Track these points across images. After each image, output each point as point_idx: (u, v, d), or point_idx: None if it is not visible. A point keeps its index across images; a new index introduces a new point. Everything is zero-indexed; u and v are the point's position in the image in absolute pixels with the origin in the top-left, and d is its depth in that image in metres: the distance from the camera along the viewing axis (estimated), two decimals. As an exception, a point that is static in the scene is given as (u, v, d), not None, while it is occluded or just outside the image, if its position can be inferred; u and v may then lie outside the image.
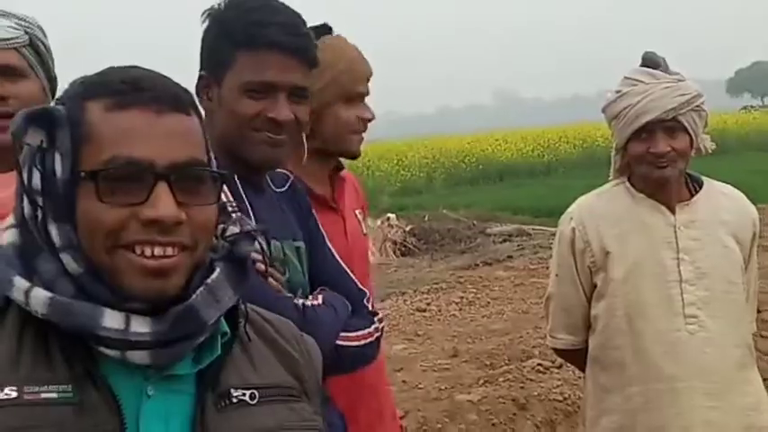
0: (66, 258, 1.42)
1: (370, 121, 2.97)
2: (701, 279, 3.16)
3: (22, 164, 1.45)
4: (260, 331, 1.64)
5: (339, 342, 2.29)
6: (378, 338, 2.45)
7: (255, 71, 2.27)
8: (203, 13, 2.37)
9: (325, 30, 2.95)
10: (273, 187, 2.47)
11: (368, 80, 2.99)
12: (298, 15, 2.36)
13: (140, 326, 1.41)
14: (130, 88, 1.44)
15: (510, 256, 14.97)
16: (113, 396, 1.41)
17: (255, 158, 2.33)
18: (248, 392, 1.54)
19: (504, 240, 17.47)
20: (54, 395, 1.38)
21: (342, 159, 3.08)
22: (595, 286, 3.27)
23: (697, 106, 3.12)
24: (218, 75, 2.31)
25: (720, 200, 3.30)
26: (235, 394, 1.53)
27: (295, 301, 2.24)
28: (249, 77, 2.27)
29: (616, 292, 3.20)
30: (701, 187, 3.28)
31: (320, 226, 2.61)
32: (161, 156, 1.42)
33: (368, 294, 2.54)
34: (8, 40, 2.43)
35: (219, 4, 2.35)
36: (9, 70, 2.44)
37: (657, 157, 3.10)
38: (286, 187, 2.52)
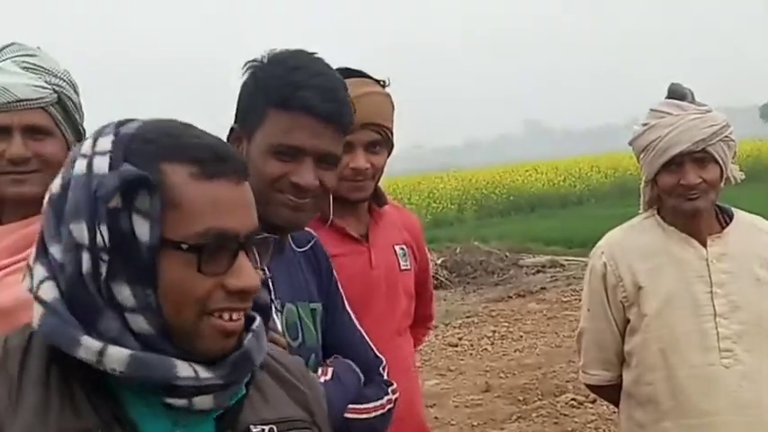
0: (137, 319, 1.42)
1: (361, 169, 2.90)
2: (735, 312, 3.14)
3: (73, 217, 1.43)
4: (270, 369, 1.67)
5: (348, 415, 2.29)
6: (390, 410, 2.44)
7: (285, 134, 2.26)
8: (245, 65, 2.37)
9: (352, 74, 2.92)
10: (294, 246, 2.47)
11: (365, 126, 2.88)
12: (339, 80, 2.36)
13: (205, 373, 1.44)
14: (213, 157, 1.47)
15: (543, 288, 14.92)
16: None
17: (277, 220, 2.31)
18: (267, 428, 1.57)
19: (537, 272, 17.40)
20: None
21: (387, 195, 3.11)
22: (628, 321, 3.25)
23: (726, 136, 3.12)
24: (249, 130, 2.31)
25: (752, 232, 3.29)
26: (254, 431, 1.56)
27: None
28: (278, 139, 2.26)
29: (649, 327, 3.19)
30: (731, 219, 3.27)
31: (340, 288, 2.60)
32: (243, 226, 1.47)
33: (383, 362, 2.53)
34: (36, 99, 2.42)
35: (263, 58, 2.35)
36: (35, 129, 2.43)
37: (688, 188, 3.10)
38: (307, 248, 2.52)
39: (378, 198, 3.09)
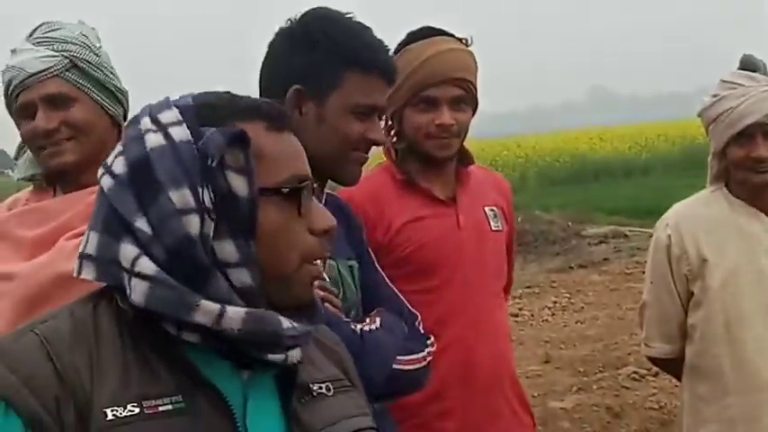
0: (240, 273, 1.47)
1: (446, 125, 2.93)
2: None
3: (171, 183, 1.45)
4: None
5: (396, 366, 2.33)
6: (429, 363, 2.46)
7: (366, 94, 2.34)
8: (283, 33, 2.42)
9: (434, 32, 3.00)
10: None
11: (448, 82, 2.95)
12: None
13: (298, 325, 1.50)
14: (276, 113, 1.55)
15: (606, 259, 14.80)
16: (222, 399, 1.47)
17: (347, 176, 2.43)
18: (324, 385, 1.63)
19: (600, 242, 17.20)
20: (169, 407, 1.42)
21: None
22: (692, 294, 3.26)
23: None
24: (320, 92, 2.34)
25: None
26: (314, 388, 1.61)
27: (352, 326, 2.28)
28: (359, 99, 2.33)
29: (714, 301, 3.20)
30: None
31: (369, 248, 2.65)
32: (308, 172, 1.54)
33: (419, 317, 2.55)
34: (47, 70, 2.45)
35: (307, 22, 2.39)
36: (53, 99, 2.46)
37: (758, 161, 3.09)
38: (334, 205, 2.55)
39: (463, 158, 3.11)
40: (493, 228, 3.12)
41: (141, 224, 1.45)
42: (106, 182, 1.50)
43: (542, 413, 5.48)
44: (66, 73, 2.47)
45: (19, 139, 2.63)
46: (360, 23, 2.39)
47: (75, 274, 1.53)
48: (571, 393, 5.81)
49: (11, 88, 2.47)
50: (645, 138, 39.70)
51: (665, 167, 35.20)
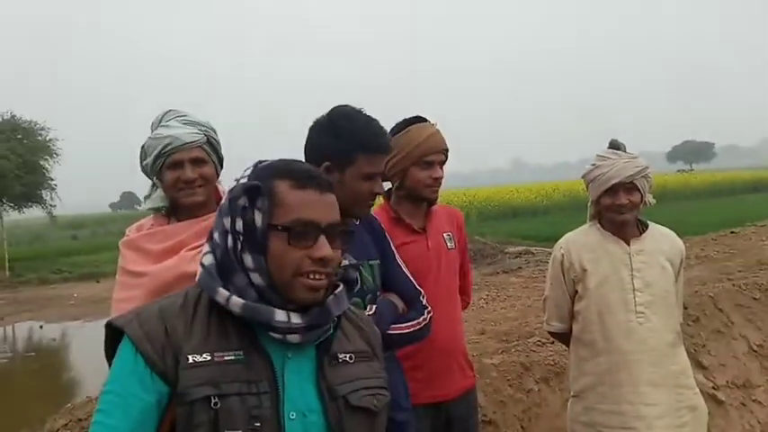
0: (255, 276, 1.49)
1: (439, 178, 2.98)
2: (647, 288, 3.14)
3: (224, 214, 1.53)
4: (348, 317, 1.70)
5: (391, 332, 2.33)
6: (426, 325, 2.47)
7: (371, 166, 2.36)
8: (315, 122, 2.40)
9: (420, 119, 3.02)
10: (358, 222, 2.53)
11: (439, 152, 2.98)
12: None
13: (296, 318, 1.49)
14: (306, 176, 1.53)
15: (520, 268, 14.77)
16: (268, 358, 1.48)
17: (362, 214, 2.47)
18: (348, 355, 1.61)
19: (517, 257, 17.30)
20: (232, 357, 1.45)
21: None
22: (577, 291, 3.26)
23: (646, 174, 3.13)
24: (340, 167, 2.35)
25: (660, 236, 3.28)
26: (340, 356, 1.59)
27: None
28: (367, 170, 2.35)
29: (590, 296, 3.19)
30: (647, 228, 3.27)
31: (393, 246, 2.63)
32: (323, 218, 1.52)
33: (422, 293, 2.55)
34: (195, 141, 2.51)
35: (332, 117, 2.38)
36: (197, 160, 2.51)
37: (619, 207, 3.11)
38: (366, 221, 2.58)
39: (430, 201, 3.10)
40: (449, 247, 3.11)
41: (215, 235, 1.56)
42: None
43: (479, 367, 5.45)
44: (204, 146, 2.54)
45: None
46: (369, 117, 2.38)
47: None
48: (497, 354, 5.77)
49: (167, 149, 2.48)
50: (546, 191, 39.86)
51: (558, 210, 35.37)
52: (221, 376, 1.42)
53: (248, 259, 1.49)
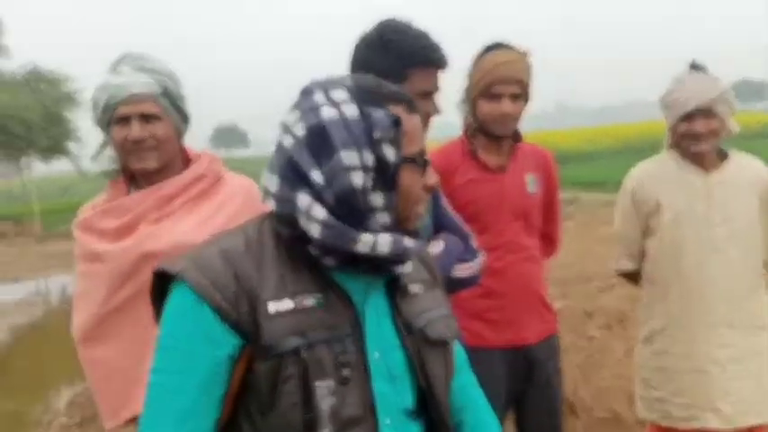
0: (383, 216, 1.44)
1: (507, 114, 2.90)
2: (728, 222, 3.07)
3: (343, 147, 1.40)
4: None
5: (456, 273, 2.33)
6: (481, 268, 2.46)
7: (427, 82, 2.25)
8: (365, 38, 2.29)
9: (499, 46, 2.95)
10: None
11: (508, 83, 2.89)
12: None
13: (412, 244, 1.47)
14: (410, 98, 1.50)
15: (570, 214, 14.66)
16: (348, 298, 1.46)
17: None
18: (417, 286, 1.61)
19: (567, 204, 17.15)
20: (312, 302, 1.41)
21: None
22: (649, 227, 3.20)
23: (727, 98, 3.02)
24: (395, 83, 2.28)
25: (744, 165, 3.19)
26: (410, 288, 1.59)
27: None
28: (423, 87, 2.24)
29: (664, 231, 3.14)
30: (727, 156, 3.19)
31: (440, 188, 2.59)
32: (425, 144, 1.53)
33: (472, 236, 2.53)
34: (146, 93, 2.29)
35: (383, 31, 2.26)
36: (148, 116, 2.29)
37: (696, 135, 3.03)
38: None
39: (516, 136, 3.06)
40: (530, 190, 3.07)
41: (316, 176, 1.39)
42: (287, 140, 1.44)
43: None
44: (159, 98, 2.32)
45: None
46: (420, 30, 2.27)
47: (261, 202, 1.48)
48: (557, 300, 5.77)
49: (112, 101, 2.28)
50: (592, 135, 39.35)
51: (606, 155, 34.87)
52: (306, 324, 1.39)
53: (377, 199, 1.43)
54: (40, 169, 33.75)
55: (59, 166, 32.89)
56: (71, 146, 31.33)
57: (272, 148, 1.52)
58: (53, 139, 29.99)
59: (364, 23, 2.39)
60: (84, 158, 31.76)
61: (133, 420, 2.30)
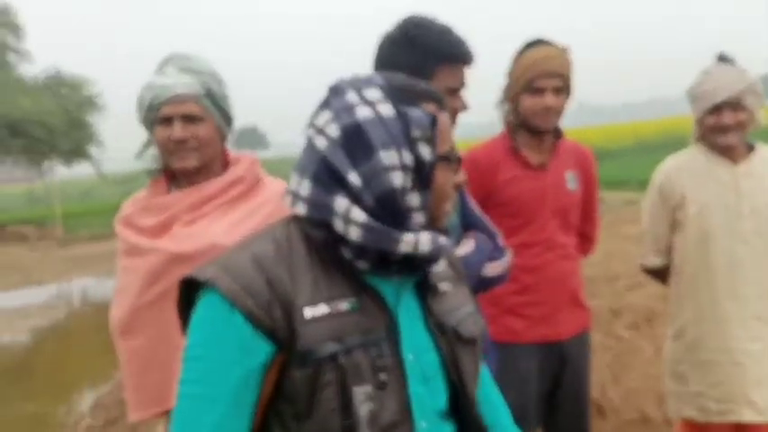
0: (419, 215, 1.42)
1: (550, 107, 2.90)
2: (756, 214, 3.05)
3: (382, 147, 1.37)
4: None
5: (485, 272, 2.29)
6: (508, 266, 2.42)
7: (453, 78, 2.19)
8: (389, 36, 2.23)
9: (539, 42, 2.95)
10: None
11: (550, 76, 2.88)
12: None
13: (446, 242, 1.46)
14: (440, 97, 1.49)
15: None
16: (382, 301, 1.43)
17: None
18: (446, 284, 1.59)
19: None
20: (347, 306, 1.38)
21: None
22: (675, 221, 3.18)
23: (755, 90, 3.00)
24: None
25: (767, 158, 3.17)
26: (440, 287, 1.57)
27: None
28: (450, 83, 2.18)
29: (691, 224, 3.12)
30: (754, 150, 3.16)
31: (465, 186, 2.56)
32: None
33: (500, 235, 2.50)
34: (189, 94, 2.32)
35: (407, 27, 2.20)
36: (190, 117, 2.32)
37: (724, 128, 3.00)
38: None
39: (557, 132, 3.06)
40: (570, 188, 3.07)
41: (353, 177, 1.36)
42: (320, 141, 1.39)
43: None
44: (202, 99, 2.35)
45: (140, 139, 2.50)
46: (444, 25, 2.21)
47: (288, 208, 1.45)
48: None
49: (156, 102, 2.32)
50: (611, 134, 39.02)
51: (627, 153, 34.59)
52: (342, 329, 1.36)
53: (414, 198, 1.40)
54: (61, 173, 34.10)
55: (80, 169, 33.23)
56: (92, 150, 31.64)
57: (290, 150, 1.49)
58: (75, 143, 30.31)
59: (383, 24, 2.36)
60: (105, 162, 32.13)
61: (164, 414, 2.33)
